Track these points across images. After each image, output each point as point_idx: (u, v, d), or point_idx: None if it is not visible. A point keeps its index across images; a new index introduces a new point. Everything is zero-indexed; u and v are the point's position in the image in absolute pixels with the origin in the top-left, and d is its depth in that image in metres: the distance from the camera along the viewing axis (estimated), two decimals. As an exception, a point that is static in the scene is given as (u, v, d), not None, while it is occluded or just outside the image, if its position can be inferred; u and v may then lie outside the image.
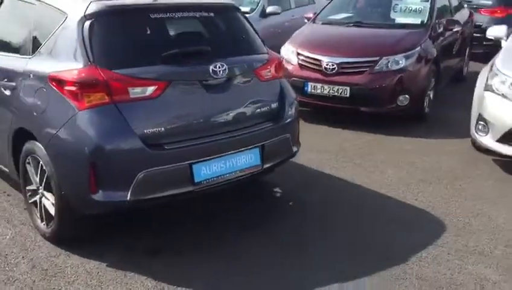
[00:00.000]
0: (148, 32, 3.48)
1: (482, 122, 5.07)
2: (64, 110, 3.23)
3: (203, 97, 3.49)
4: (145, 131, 3.24)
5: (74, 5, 3.47)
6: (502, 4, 10.63)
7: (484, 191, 4.59)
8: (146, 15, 3.47)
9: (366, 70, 6.11)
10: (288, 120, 3.96)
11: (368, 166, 5.14)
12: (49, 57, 3.45)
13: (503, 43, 5.94)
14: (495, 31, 6.15)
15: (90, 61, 3.22)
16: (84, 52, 3.24)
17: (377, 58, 6.13)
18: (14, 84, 3.63)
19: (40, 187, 3.59)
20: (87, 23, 3.30)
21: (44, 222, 3.63)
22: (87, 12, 3.33)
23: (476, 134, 5.16)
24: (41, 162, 3.47)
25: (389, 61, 6.12)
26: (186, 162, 3.36)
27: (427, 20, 6.86)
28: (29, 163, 3.64)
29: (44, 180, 3.50)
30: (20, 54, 3.72)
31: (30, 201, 3.76)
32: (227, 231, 3.85)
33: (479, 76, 5.51)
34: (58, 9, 3.51)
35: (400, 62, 6.14)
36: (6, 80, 3.72)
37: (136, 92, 3.23)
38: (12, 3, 4.09)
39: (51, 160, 3.32)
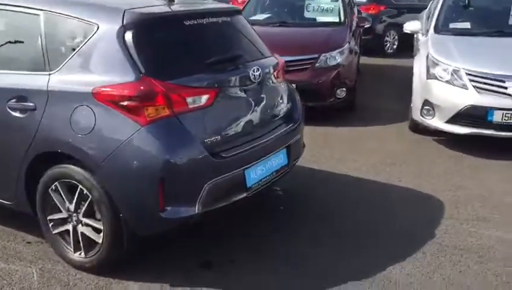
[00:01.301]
0: (186, 39, 3.36)
1: (427, 107, 5.69)
2: (121, 127, 2.99)
3: (244, 102, 3.48)
4: (206, 141, 3.16)
5: (104, 14, 3.21)
6: (374, 2, 11.79)
7: (447, 167, 5.19)
8: (181, 22, 3.34)
9: (308, 68, 6.45)
10: (300, 120, 4.09)
11: (339, 157, 5.46)
12: (81, 71, 3.14)
13: (420, 37, 6.68)
14: (411, 26, 6.88)
15: (141, 73, 3.03)
16: (133, 64, 3.04)
17: (316, 55, 6.50)
18: (31, 104, 3.23)
19: (75, 215, 3.28)
20: (129, 34, 3.09)
21: (80, 252, 3.32)
22: (125, 22, 3.11)
23: (422, 118, 5.77)
24: (80, 187, 3.17)
25: (327, 58, 6.53)
26: (241, 169, 3.34)
27: (344, 18, 7.42)
28: (54, 190, 3.30)
29: (85, 206, 3.20)
30: (31, 70, 3.32)
31: (55, 232, 3.40)
32: (261, 233, 3.89)
33: (414, 67, 6.16)
34: (81, 19, 3.20)
35: (336, 58, 6.57)
36: (14, 100, 3.30)
37: (192, 101, 3.13)
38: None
39: (103, 182, 3.06)
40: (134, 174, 3.00)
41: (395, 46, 12.09)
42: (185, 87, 3.11)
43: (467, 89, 5.36)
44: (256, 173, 3.49)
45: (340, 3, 7.65)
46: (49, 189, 3.31)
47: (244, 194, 3.40)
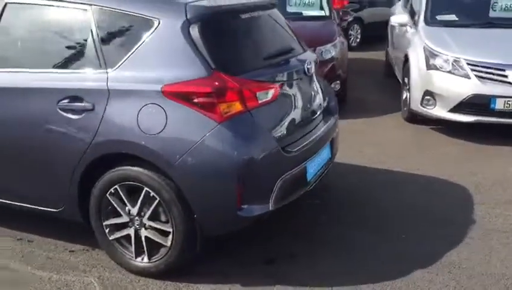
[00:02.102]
0: (245, 33, 3.30)
1: (428, 97, 5.87)
2: (195, 125, 2.89)
3: (299, 96, 3.46)
4: (275, 136, 3.12)
5: (164, 9, 3.07)
6: (338, -4, 11.97)
7: (456, 155, 5.37)
8: (238, 16, 3.28)
9: (305, 62, 6.46)
10: (337, 114, 4.11)
11: (350, 149, 5.44)
12: (145, 68, 2.99)
13: (409, 29, 6.86)
14: (399, 19, 7.05)
15: (212, 69, 2.94)
16: (202, 59, 2.94)
17: (312, 49, 6.51)
18: (88, 104, 3.05)
19: (137, 218, 3.14)
20: (194, 28, 2.98)
21: (143, 257, 3.19)
22: (189, 16, 3.00)
23: (422, 108, 5.95)
24: (146, 189, 3.04)
25: (322, 52, 6.58)
26: (304, 163, 3.32)
27: (330, 12, 7.51)
28: (113, 194, 3.14)
29: (151, 208, 3.07)
30: (83, 69, 3.13)
31: (111, 238, 3.24)
32: (307, 226, 3.89)
33: (411, 60, 6.28)
34: (139, 14, 3.05)
35: (331, 51, 6.65)
36: (67, 101, 3.10)
37: (261, 96, 3.08)
38: (31, 9, 3.34)
39: (176, 183, 2.95)
40: (211, 173, 2.91)
41: (358, 40, 12.36)
42: (254, 82, 3.06)
43: (469, 78, 5.57)
44: (312, 167, 3.48)
45: (320, -4, 7.71)
46: (107, 193, 3.15)
47: (305, 189, 3.39)
